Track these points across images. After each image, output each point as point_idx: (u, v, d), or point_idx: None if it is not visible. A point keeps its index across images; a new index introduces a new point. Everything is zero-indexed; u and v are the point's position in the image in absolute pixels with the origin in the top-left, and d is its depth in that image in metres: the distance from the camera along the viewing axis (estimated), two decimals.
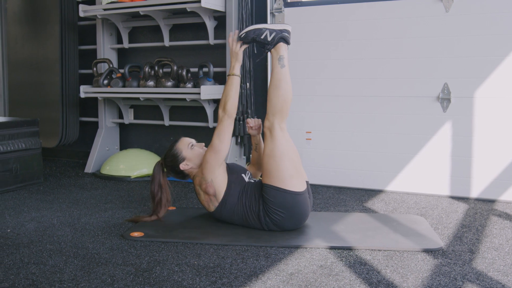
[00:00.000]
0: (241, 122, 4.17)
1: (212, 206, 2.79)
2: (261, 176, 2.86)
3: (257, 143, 3.08)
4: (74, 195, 3.70)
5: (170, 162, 2.88)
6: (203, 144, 2.93)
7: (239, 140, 4.23)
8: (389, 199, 3.61)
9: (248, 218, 2.75)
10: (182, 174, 2.89)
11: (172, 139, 4.75)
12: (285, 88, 2.74)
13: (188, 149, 2.85)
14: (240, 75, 2.76)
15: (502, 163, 3.52)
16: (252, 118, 3.04)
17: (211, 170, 2.72)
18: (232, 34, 2.83)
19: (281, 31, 2.78)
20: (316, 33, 4.03)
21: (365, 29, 3.86)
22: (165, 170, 2.92)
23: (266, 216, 2.70)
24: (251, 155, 3.15)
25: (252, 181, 2.85)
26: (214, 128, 4.38)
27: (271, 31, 2.78)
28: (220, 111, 2.73)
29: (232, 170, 2.83)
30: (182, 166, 2.84)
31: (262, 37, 2.78)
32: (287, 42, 2.80)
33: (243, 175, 2.84)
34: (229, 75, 2.78)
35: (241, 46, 2.82)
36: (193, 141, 2.91)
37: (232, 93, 2.73)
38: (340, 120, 3.98)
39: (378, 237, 2.67)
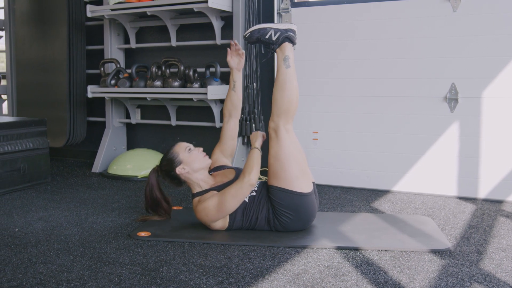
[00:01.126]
0: (247, 122, 4.17)
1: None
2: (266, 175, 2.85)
3: (235, 80, 2.99)
4: (82, 195, 3.71)
5: (165, 166, 2.80)
6: (201, 148, 2.85)
7: (245, 140, 4.23)
8: (396, 199, 3.60)
9: (257, 225, 2.74)
10: (178, 180, 2.80)
11: (178, 139, 4.76)
12: (290, 89, 2.72)
13: (185, 152, 2.77)
14: (261, 151, 2.78)
15: (510, 163, 3.50)
16: (235, 42, 2.95)
17: (211, 222, 2.70)
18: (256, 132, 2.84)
19: (286, 30, 2.76)
20: (323, 33, 4.02)
21: (372, 29, 3.85)
22: (160, 176, 2.86)
23: (275, 218, 2.69)
24: (226, 95, 3.03)
25: (252, 193, 2.75)
26: (220, 128, 4.39)
27: (276, 30, 2.75)
28: (244, 176, 2.62)
29: None
30: (179, 170, 2.75)
31: (267, 36, 2.76)
32: (292, 42, 2.78)
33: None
34: (251, 148, 2.73)
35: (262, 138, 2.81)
36: (190, 145, 2.83)
37: (256, 163, 2.64)
38: (348, 120, 3.98)
39: (385, 238, 2.66)
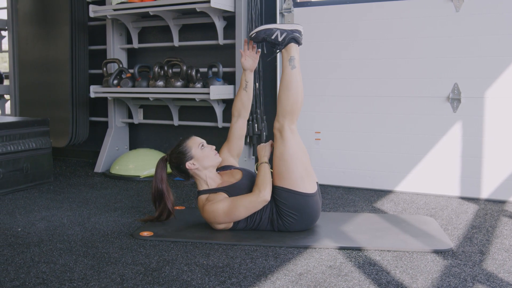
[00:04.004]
0: (250, 122, 4.17)
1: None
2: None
3: (247, 80, 2.97)
4: (84, 195, 3.72)
5: (175, 159, 2.78)
6: (214, 146, 2.83)
7: (248, 140, 4.23)
8: (398, 199, 3.60)
9: (260, 225, 2.74)
10: (186, 174, 2.79)
11: (181, 139, 4.76)
12: (296, 90, 2.72)
13: (198, 148, 2.76)
14: (270, 164, 2.78)
15: None
16: (249, 50, 2.94)
17: (216, 224, 2.71)
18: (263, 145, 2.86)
19: (292, 31, 2.76)
20: (326, 33, 4.02)
21: (375, 29, 3.85)
22: (169, 167, 2.84)
23: (279, 218, 2.69)
24: (236, 94, 3.01)
25: None
26: (223, 128, 4.40)
27: (282, 31, 2.76)
28: (259, 191, 2.62)
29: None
30: (188, 165, 2.74)
31: (273, 37, 2.76)
32: (298, 42, 2.78)
33: None
34: (260, 163, 2.74)
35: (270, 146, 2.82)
36: (203, 141, 2.81)
37: (268, 179, 2.66)
38: (350, 120, 3.97)
39: (387, 238, 2.66)
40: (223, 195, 2.70)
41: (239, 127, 3.01)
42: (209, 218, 2.70)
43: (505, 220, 3.05)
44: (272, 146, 2.80)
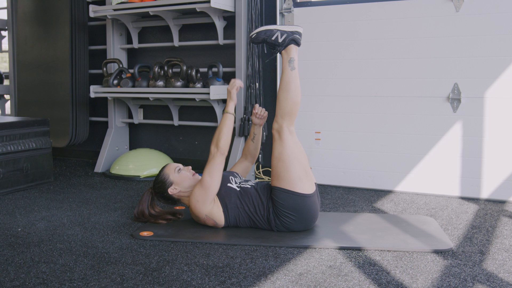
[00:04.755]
0: (249, 122, 4.17)
1: (217, 226, 2.80)
2: (269, 175, 2.85)
3: (256, 133, 3.07)
4: (84, 195, 3.72)
5: (158, 189, 2.86)
6: (190, 167, 2.93)
7: (245, 140, 4.23)
8: (398, 199, 3.60)
9: (256, 222, 2.75)
10: (172, 200, 2.87)
11: (181, 139, 4.77)
12: (295, 91, 2.73)
13: (175, 173, 2.84)
14: (234, 114, 2.78)
15: None
16: (260, 107, 3.04)
17: (203, 207, 2.71)
18: (233, 81, 2.85)
19: (292, 32, 2.77)
20: (326, 33, 4.02)
21: (375, 29, 3.85)
22: (154, 198, 2.93)
23: (277, 219, 2.70)
24: (245, 145, 3.15)
25: (246, 185, 2.80)
26: None
27: (282, 32, 2.76)
28: (212, 148, 2.70)
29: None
30: (171, 191, 2.81)
31: (273, 38, 2.77)
32: (297, 44, 2.79)
33: (229, 184, 2.79)
34: (224, 112, 2.78)
35: (237, 88, 2.83)
36: (180, 165, 2.89)
37: (226, 130, 2.72)
38: (350, 120, 3.98)
39: (387, 238, 2.66)
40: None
41: (244, 166, 3.15)
42: (194, 204, 2.72)
43: (505, 220, 3.05)
44: (241, 86, 2.86)
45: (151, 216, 2.93)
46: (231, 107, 2.81)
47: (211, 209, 2.72)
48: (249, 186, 2.79)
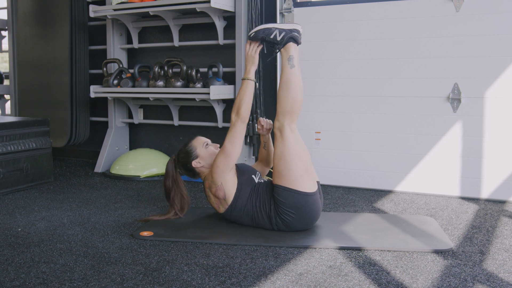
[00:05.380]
0: (250, 122, 4.17)
1: (222, 208, 2.79)
2: (270, 175, 2.85)
3: (266, 141, 3.09)
4: (84, 195, 3.72)
5: (182, 158, 2.88)
6: (218, 145, 2.91)
7: (248, 140, 4.23)
8: (398, 199, 3.60)
9: (258, 218, 2.75)
10: (193, 172, 2.90)
11: (181, 139, 4.77)
12: (295, 89, 2.73)
13: (203, 147, 2.86)
14: (256, 80, 2.74)
15: None
16: (264, 119, 3.04)
17: (221, 174, 2.71)
18: (250, 43, 2.81)
19: (291, 30, 2.77)
20: (326, 33, 4.02)
21: (375, 29, 3.85)
22: (177, 166, 2.93)
23: (277, 216, 2.70)
24: (259, 152, 3.18)
25: (262, 181, 2.85)
26: (223, 128, 4.41)
27: (281, 30, 2.76)
28: (233, 115, 2.71)
29: (242, 172, 2.81)
30: (194, 164, 2.84)
31: (272, 36, 2.77)
32: (297, 42, 2.79)
33: (253, 176, 2.82)
34: (244, 79, 2.75)
35: (257, 47, 2.80)
36: (208, 140, 2.92)
37: (246, 97, 2.71)
38: (350, 120, 3.98)
39: (387, 238, 2.66)
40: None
41: (261, 168, 3.15)
42: (214, 171, 2.71)
43: (505, 220, 3.05)
44: (260, 47, 2.81)
45: (174, 184, 2.91)
46: (252, 72, 2.76)
47: (228, 179, 2.72)
48: (262, 181, 2.84)
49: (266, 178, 2.93)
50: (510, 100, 3.49)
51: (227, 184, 2.73)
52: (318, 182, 2.78)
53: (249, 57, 2.80)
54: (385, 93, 3.85)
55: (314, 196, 2.69)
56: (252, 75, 2.75)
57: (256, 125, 3.10)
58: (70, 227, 2.90)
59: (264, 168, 3.14)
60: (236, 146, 2.69)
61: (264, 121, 3.03)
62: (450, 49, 3.62)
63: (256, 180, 2.82)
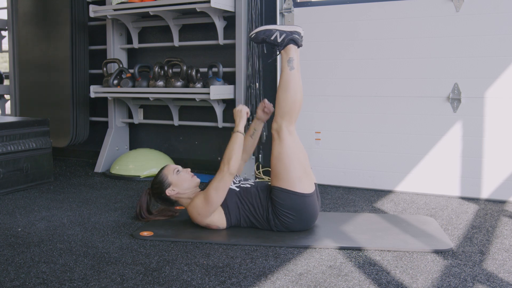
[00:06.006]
0: (249, 122, 4.17)
1: (220, 227, 2.79)
2: (270, 176, 2.85)
3: (256, 129, 3.04)
4: (84, 195, 3.72)
5: (156, 189, 2.85)
6: (189, 169, 2.90)
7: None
8: (398, 199, 3.60)
9: (255, 221, 2.75)
10: (170, 201, 2.86)
11: (181, 139, 4.77)
12: (294, 91, 2.72)
13: (174, 174, 2.82)
14: (244, 133, 2.74)
15: None
16: (269, 102, 3.00)
17: (204, 219, 2.72)
18: (240, 107, 2.82)
19: (292, 32, 2.77)
20: (326, 33, 4.02)
21: (375, 29, 3.85)
22: (151, 199, 2.93)
23: (276, 218, 2.70)
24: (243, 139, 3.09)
25: (246, 184, 2.80)
26: (223, 128, 4.41)
27: (281, 32, 2.76)
28: (223, 166, 2.64)
29: None
30: (168, 192, 2.80)
31: (272, 38, 2.77)
32: (297, 44, 2.79)
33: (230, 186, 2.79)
34: (233, 132, 2.73)
35: (247, 110, 2.82)
36: (178, 167, 2.88)
37: (236, 150, 2.67)
38: (350, 120, 3.97)
39: (387, 238, 2.66)
40: (199, 192, 2.78)
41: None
42: (195, 216, 2.73)
43: (505, 220, 3.05)
44: (248, 115, 2.83)
45: (150, 215, 2.95)
46: (241, 126, 2.75)
47: (211, 218, 2.72)
48: (249, 186, 2.79)
49: (267, 179, 2.92)
50: (510, 100, 3.48)
51: (213, 219, 2.73)
52: (315, 184, 2.78)
53: (237, 112, 2.80)
54: (385, 93, 3.85)
55: (311, 197, 2.69)
56: (241, 128, 2.74)
57: (257, 109, 3.05)
58: (70, 227, 2.90)
59: (241, 163, 3.05)
60: (220, 195, 2.66)
61: (268, 104, 2.99)
62: (450, 49, 3.62)
63: (234, 186, 2.78)
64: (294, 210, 2.66)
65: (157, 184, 2.84)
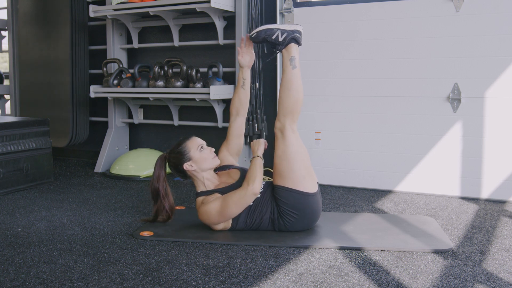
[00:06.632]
0: (250, 122, 4.17)
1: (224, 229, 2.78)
2: (271, 176, 2.85)
3: (245, 78, 2.97)
4: (84, 195, 3.72)
5: (174, 159, 2.78)
6: (213, 149, 2.82)
7: (248, 140, 4.23)
8: (398, 199, 3.60)
9: (260, 224, 2.74)
10: (184, 174, 2.79)
11: (181, 139, 4.76)
12: (296, 89, 2.73)
13: (197, 150, 2.75)
14: (263, 158, 2.75)
15: None
16: (246, 47, 2.94)
17: (213, 225, 2.71)
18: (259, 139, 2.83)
19: (293, 31, 2.77)
20: (326, 33, 4.02)
21: (375, 29, 3.85)
22: (167, 165, 2.83)
23: (280, 218, 2.69)
24: (234, 93, 3.00)
25: (258, 195, 2.74)
26: (223, 128, 4.41)
27: (283, 31, 2.77)
28: (247, 185, 2.59)
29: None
30: (186, 166, 2.74)
31: (273, 37, 2.77)
32: (298, 43, 2.79)
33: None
34: (253, 157, 2.70)
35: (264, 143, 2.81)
36: (203, 143, 2.81)
37: (259, 172, 2.63)
38: (350, 120, 3.97)
39: (387, 238, 2.66)
40: (216, 195, 2.70)
41: (238, 125, 3.00)
42: (204, 219, 2.70)
43: (505, 220, 3.05)
44: (266, 146, 2.81)
45: (162, 190, 2.81)
46: (260, 152, 2.73)
47: (219, 225, 2.73)
48: (258, 195, 2.72)
49: (267, 179, 2.91)
50: (510, 100, 3.48)
51: (220, 226, 2.72)
52: (317, 183, 2.78)
53: (255, 142, 2.80)
54: (385, 93, 3.85)
55: (315, 196, 2.69)
56: (260, 153, 2.72)
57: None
58: (70, 227, 2.90)
59: (241, 126, 2.99)
60: (237, 212, 2.64)
61: (246, 49, 2.93)
62: (450, 49, 3.62)
63: (251, 202, 2.73)
64: (297, 209, 2.66)
65: (176, 154, 2.76)
